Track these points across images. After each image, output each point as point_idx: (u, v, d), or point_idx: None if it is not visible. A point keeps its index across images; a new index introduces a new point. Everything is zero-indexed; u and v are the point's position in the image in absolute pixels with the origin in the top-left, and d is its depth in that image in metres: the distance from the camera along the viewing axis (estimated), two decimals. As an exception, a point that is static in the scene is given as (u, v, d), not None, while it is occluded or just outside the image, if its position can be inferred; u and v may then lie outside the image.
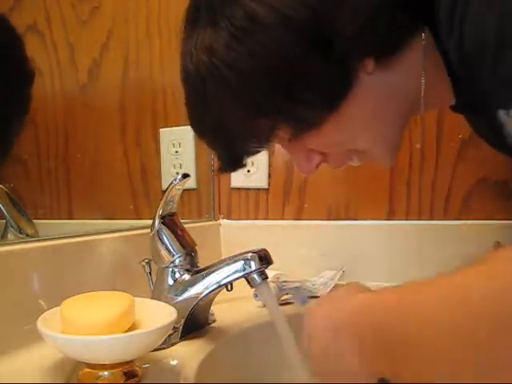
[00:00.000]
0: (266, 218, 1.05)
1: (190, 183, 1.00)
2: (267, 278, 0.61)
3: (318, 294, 0.84)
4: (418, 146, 0.61)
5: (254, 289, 0.62)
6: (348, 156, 0.59)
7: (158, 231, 0.64)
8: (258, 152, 0.58)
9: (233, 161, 0.58)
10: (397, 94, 0.55)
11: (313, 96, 0.50)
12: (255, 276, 0.60)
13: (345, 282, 0.92)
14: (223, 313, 0.71)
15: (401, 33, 0.52)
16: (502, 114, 0.44)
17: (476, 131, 0.71)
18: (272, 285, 0.78)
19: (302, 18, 0.46)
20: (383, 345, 0.39)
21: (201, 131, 0.56)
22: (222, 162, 0.59)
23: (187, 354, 0.58)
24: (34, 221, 0.71)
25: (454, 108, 0.62)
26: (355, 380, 0.42)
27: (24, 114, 0.65)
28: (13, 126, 0.64)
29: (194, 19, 0.51)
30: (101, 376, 0.48)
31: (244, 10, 0.47)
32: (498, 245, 0.74)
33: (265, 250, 0.62)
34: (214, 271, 0.62)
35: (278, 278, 0.85)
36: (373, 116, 0.55)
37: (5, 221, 0.67)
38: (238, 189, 1.07)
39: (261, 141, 0.55)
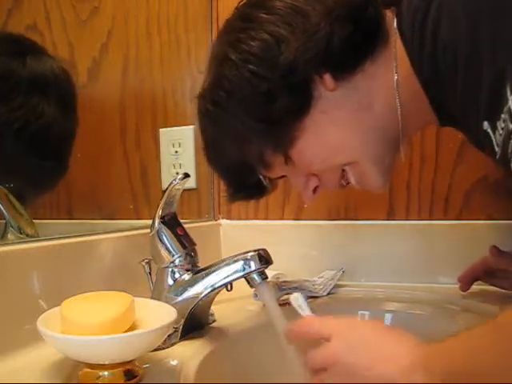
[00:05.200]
0: (265, 218, 1.05)
1: (190, 183, 1.00)
2: (267, 278, 0.61)
3: (318, 294, 0.84)
4: (403, 159, 0.63)
5: (253, 289, 0.62)
6: (338, 174, 0.62)
7: (157, 231, 0.64)
8: (261, 181, 0.67)
9: (237, 189, 0.68)
10: (367, 107, 0.57)
11: (273, 114, 0.56)
12: (255, 276, 0.60)
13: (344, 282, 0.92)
14: (223, 313, 0.71)
15: (356, 50, 0.55)
16: (486, 125, 0.44)
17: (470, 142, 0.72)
18: (272, 285, 0.78)
19: (256, 52, 0.55)
20: None
21: (209, 162, 0.67)
22: (229, 190, 0.69)
23: (187, 354, 0.58)
24: (34, 221, 0.71)
25: (441, 124, 0.62)
26: None
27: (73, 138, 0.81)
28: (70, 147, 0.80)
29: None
30: (101, 376, 0.48)
31: (218, 52, 0.60)
32: (494, 249, 0.74)
33: (265, 250, 0.62)
34: (214, 271, 0.62)
35: (278, 278, 0.85)
36: (345, 129, 0.58)
37: (5, 221, 0.67)
38: (238, 189, 1.07)
39: (254, 168, 0.63)
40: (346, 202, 1.00)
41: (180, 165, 1.03)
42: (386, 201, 0.97)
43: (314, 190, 0.64)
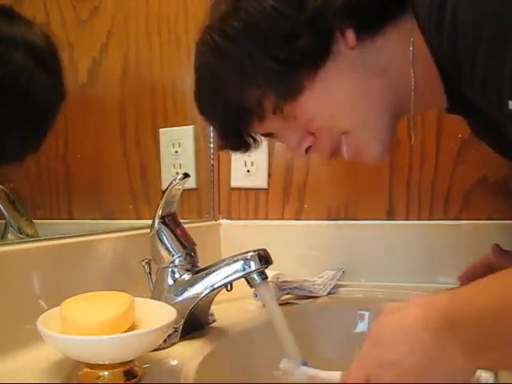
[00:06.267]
0: (265, 218, 1.05)
1: (190, 183, 1.00)
2: (267, 278, 0.61)
3: (318, 294, 0.84)
4: (413, 141, 0.61)
5: (253, 289, 0.62)
6: (336, 138, 0.59)
7: (157, 231, 0.64)
8: (252, 130, 0.62)
9: (229, 134, 0.64)
10: (381, 75, 0.56)
11: (292, 56, 0.54)
12: (255, 276, 0.60)
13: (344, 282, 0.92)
14: (223, 313, 0.71)
15: (382, 10, 0.54)
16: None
17: (475, 133, 0.71)
18: (272, 285, 0.78)
19: None
20: (478, 338, 0.39)
21: (201, 105, 0.63)
22: (220, 137, 0.65)
23: (187, 354, 0.58)
24: (34, 221, 0.71)
25: (448, 109, 0.61)
26: (461, 379, 0.41)
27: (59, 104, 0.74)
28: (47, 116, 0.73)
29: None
30: (101, 376, 0.48)
31: None
32: (496, 248, 0.74)
33: (265, 250, 0.62)
34: (214, 271, 0.62)
35: (278, 278, 0.85)
36: (355, 92, 0.56)
37: (5, 221, 0.67)
38: (238, 189, 1.07)
39: (250, 110, 0.59)
40: (346, 202, 1.00)
41: (180, 165, 1.03)
42: (386, 201, 0.97)
43: (307, 150, 0.61)
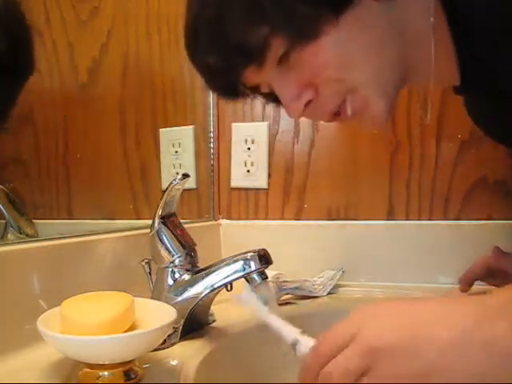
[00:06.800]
0: (265, 218, 1.05)
1: (190, 183, 1.00)
2: (267, 278, 0.61)
3: (318, 294, 0.84)
4: (428, 120, 0.59)
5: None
6: (340, 94, 0.56)
7: (157, 231, 0.64)
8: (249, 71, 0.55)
9: (219, 74, 0.57)
10: (399, 36, 0.55)
11: None
12: (255, 276, 0.60)
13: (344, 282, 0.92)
14: (223, 313, 0.71)
15: None
16: None
17: (475, 117, 0.70)
18: (272, 285, 0.78)
19: None
20: None
21: (193, 35, 0.56)
22: (207, 75, 0.59)
23: (187, 354, 0.58)
24: (34, 221, 0.71)
25: (458, 89, 0.61)
26: None
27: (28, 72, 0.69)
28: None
29: None
30: (101, 376, 0.48)
31: None
32: (496, 249, 0.74)
33: (265, 250, 0.62)
34: (213, 271, 0.62)
35: (278, 277, 0.85)
36: (371, 45, 0.54)
37: (5, 221, 0.67)
38: (238, 189, 1.07)
39: (252, 50, 0.53)
40: (346, 202, 1.00)
41: (180, 165, 1.03)
42: (386, 201, 0.97)
43: (306, 104, 0.56)
